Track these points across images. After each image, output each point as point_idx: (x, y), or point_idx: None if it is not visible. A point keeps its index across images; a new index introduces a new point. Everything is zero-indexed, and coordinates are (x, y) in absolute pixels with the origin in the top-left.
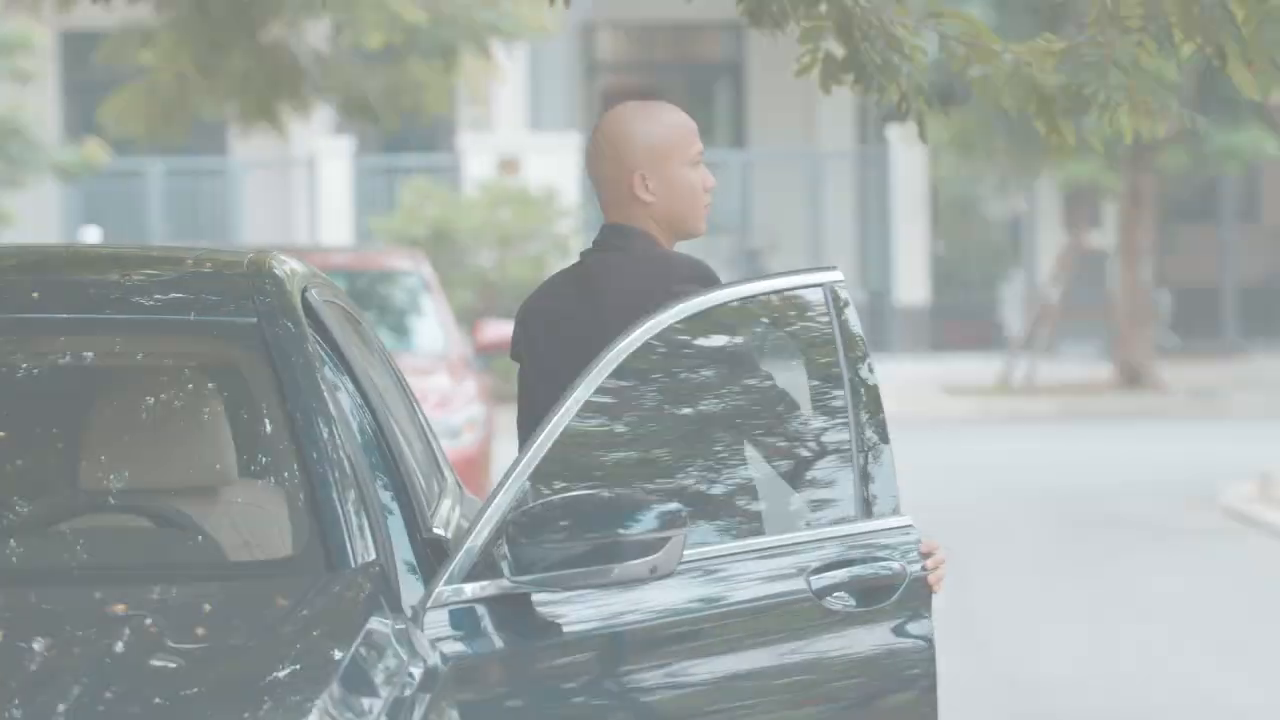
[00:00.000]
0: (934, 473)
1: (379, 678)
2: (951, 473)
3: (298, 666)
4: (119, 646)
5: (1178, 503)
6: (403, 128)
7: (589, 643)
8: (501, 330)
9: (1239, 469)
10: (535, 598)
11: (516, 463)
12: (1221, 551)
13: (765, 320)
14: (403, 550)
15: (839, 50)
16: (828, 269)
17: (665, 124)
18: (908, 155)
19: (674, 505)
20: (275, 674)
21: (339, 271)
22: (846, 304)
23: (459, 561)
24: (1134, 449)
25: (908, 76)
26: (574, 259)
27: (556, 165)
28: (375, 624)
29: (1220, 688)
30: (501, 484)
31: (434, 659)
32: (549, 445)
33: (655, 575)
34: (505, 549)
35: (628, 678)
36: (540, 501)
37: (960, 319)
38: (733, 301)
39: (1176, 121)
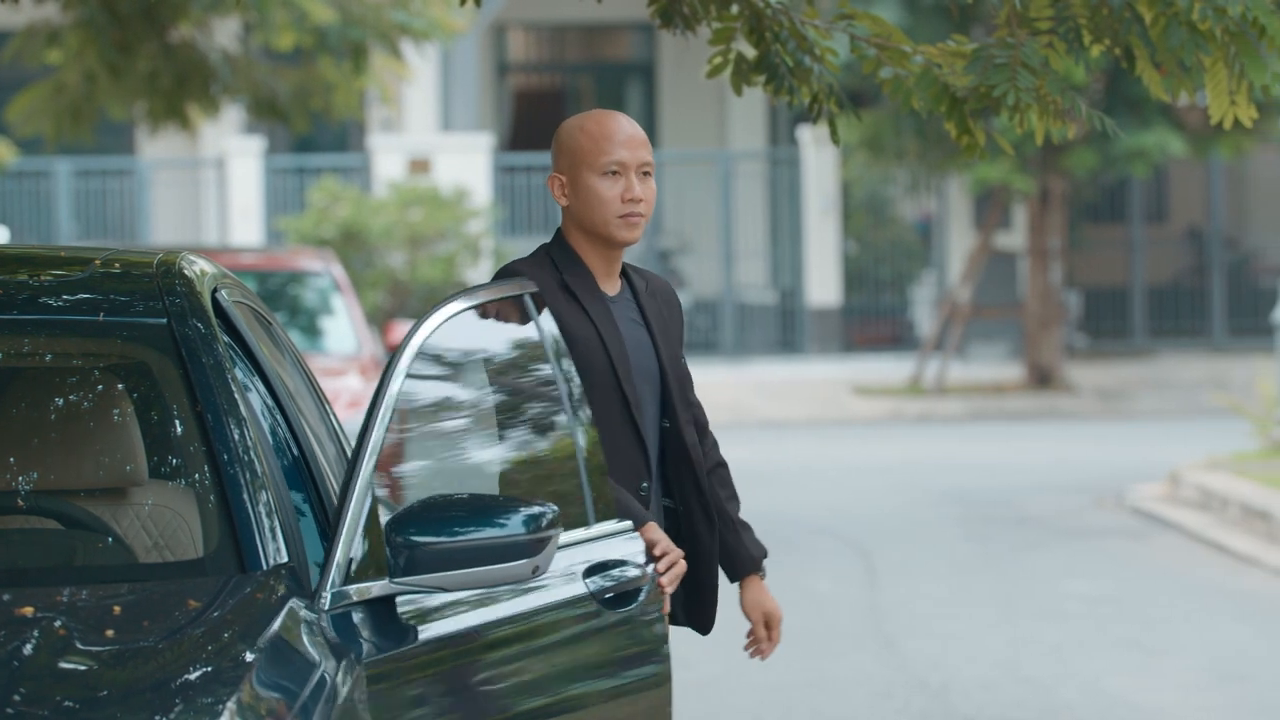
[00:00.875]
0: (844, 473)
1: (291, 679)
2: (862, 473)
3: (209, 668)
4: (28, 649)
5: (1087, 503)
6: (313, 128)
7: (446, 644)
8: None
9: (1147, 469)
10: (398, 601)
11: (355, 468)
12: (1130, 551)
13: (492, 329)
14: (315, 552)
15: (750, 51)
16: (527, 283)
17: (584, 131)
18: (818, 156)
19: (548, 506)
20: (186, 676)
21: (249, 272)
22: (543, 309)
23: (339, 565)
24: (1044, 450)
25: (819, 78)
26: (485, 259)
27: (467, 166)
28: (287, 626)
29: (1129, 687)
30: (347, 489)
31: (347, 659)
32: (377, 451)
33: (537, 575)
34: (387, 552)
35: (479, 676)
36: (419, 503)
37: (871, 320)
38: (460, 312)
39: (1085, 123)
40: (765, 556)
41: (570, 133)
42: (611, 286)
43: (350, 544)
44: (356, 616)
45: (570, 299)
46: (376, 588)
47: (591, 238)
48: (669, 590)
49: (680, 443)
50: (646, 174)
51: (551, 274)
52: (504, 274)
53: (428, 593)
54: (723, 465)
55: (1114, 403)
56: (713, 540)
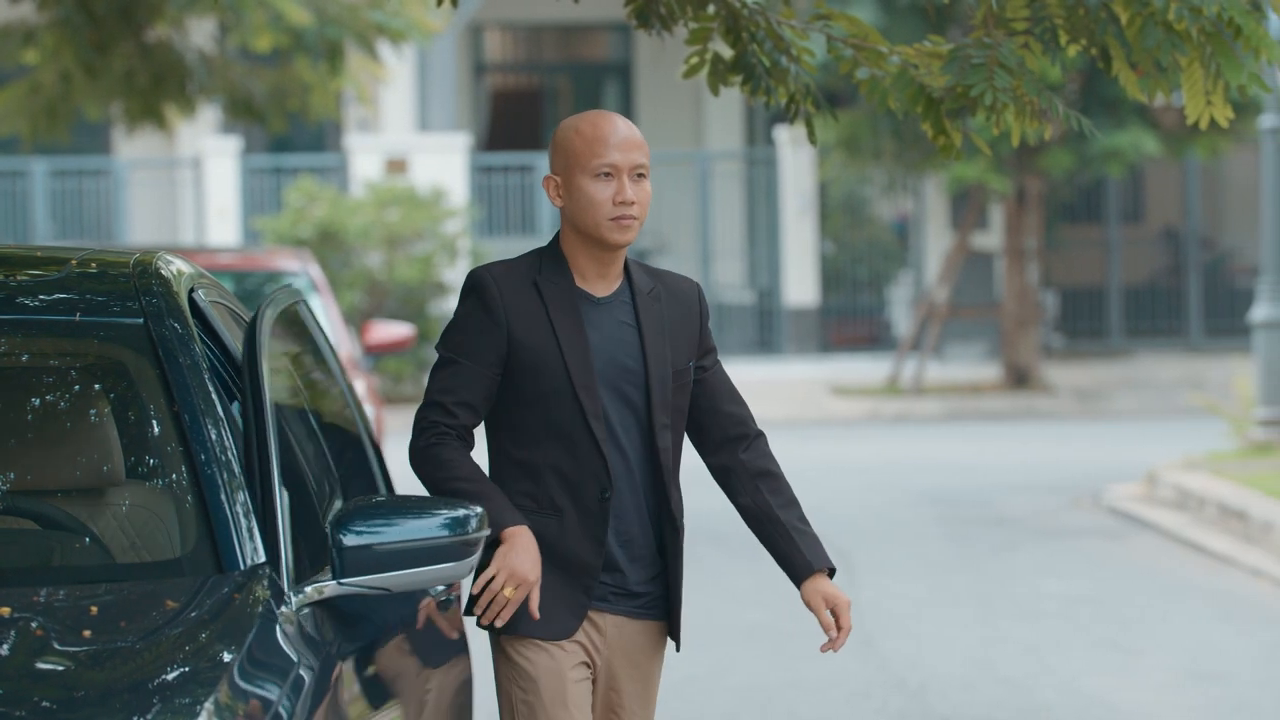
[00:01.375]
0: (822, 473)
1: (269, 679)
2: (839, 473)
3: (187, 669)
4: (5, 649)
5: (1064, 503)
6: (290, 128)
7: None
8: (389, 331)
9: (1124, 469)
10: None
11: (261, 468)
12: (1107, 551)
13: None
14: (295, 551)
15: (727, 51)
16: (294, 291)
17: (578, 133)
18: (795, 156)
19: (476, 508)
20: (164, 676)
21: (226, 272)
22: (314, 316)
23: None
24: (1021, 450)
25: (796, 78)
26: (462, 259)
27: (444, 165)
28: (265, 625)
29: (1106, 687)
30: (261, 491)
31: (325, 657)
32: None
33: (470, 572)
34: (333, 554)
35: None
36: (355, 506)
37: (848, 320)
38: (274, 315)
39: (1062, 123)
40: (828, 565)
41: (565, 134)
42: (604, 288)
43: (287, 544)
44: (330, 613)
45: (535, 301)
46: (329, 588)
47: (585, 239)
48: (488, 610)
49: (651, 447)
50: (641, 176)
51: (525, 273)
52: (470, 278)
53: (373, 592)
54: (769, 474)
55: (1091, 403)
56: (676, 547)
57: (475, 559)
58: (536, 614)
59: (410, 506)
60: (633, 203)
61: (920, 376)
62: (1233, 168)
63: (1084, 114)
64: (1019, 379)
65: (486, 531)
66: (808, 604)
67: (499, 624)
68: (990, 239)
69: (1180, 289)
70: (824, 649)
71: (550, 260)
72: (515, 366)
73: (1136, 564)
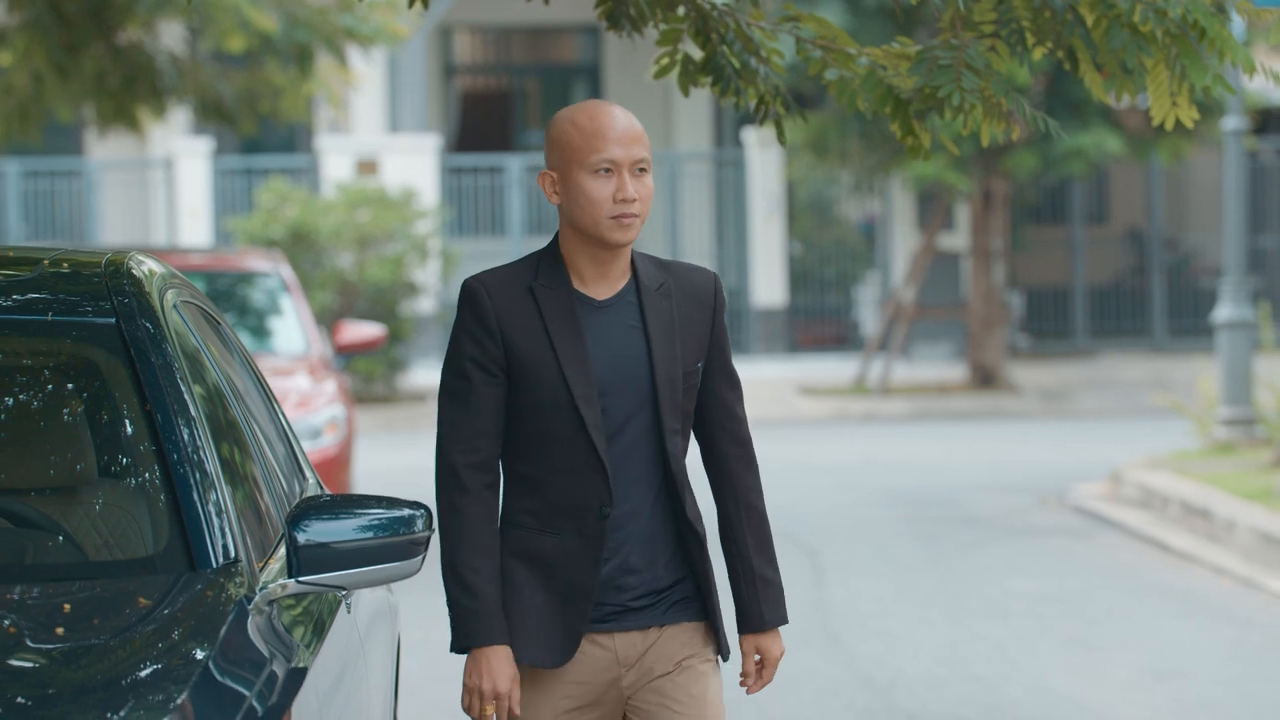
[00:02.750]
0: (790, 472)
1: (241, 675)
2: (807, 472)
3: (160, 666)
4: None
5: (1030, 502)
6: (261, 129)
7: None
8: (360, 331)
9: (1089, 469)
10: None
11: (204, 466)
12: (1073, 550)
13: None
14: (264, 549)
15: (697, 53)
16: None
17: (575, 126)
18: (763, 157)
19: (421, 508)
20: (137, 674)
21: (198, 272)
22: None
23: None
24: (987, 449)
25: (765, 79)
26: (433, 260)
27: (415, 166)
28: (236, 622)
29: (1073, 684)
30: (212, 489)
31: (294, 653)
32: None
33: (418, 571)
34: (289, 552)
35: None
36: (309, 505)
37: (816, 320)
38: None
39: (1028, 124)
40: (781, 623)
41: (561, 127)
42: (605, 289)
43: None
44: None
45: (530, 309)
46: (291, 585)
47: (584, 238)
48: None
49: (662, 454)
50: (642, 170)
51: (520, 280)
52: (462, 289)
53: (329, 589)
54: (752, 508)
55: (1056, 402)
56: (700, 554)
57: (421, 558)
58: (518, 710)
59: (361, 506)
60: (634, 200)
61: (887, 376)
62: (1196, 170)
63: (1049, 115)
64: (985, 379)
65: (431, 532)
66: (741, 647)
67: None
68: (956, 240)
69: (1144, 290)
70: (741, 685)
71: (547, 263)
72: (513, 377)
73: (1101, 562)
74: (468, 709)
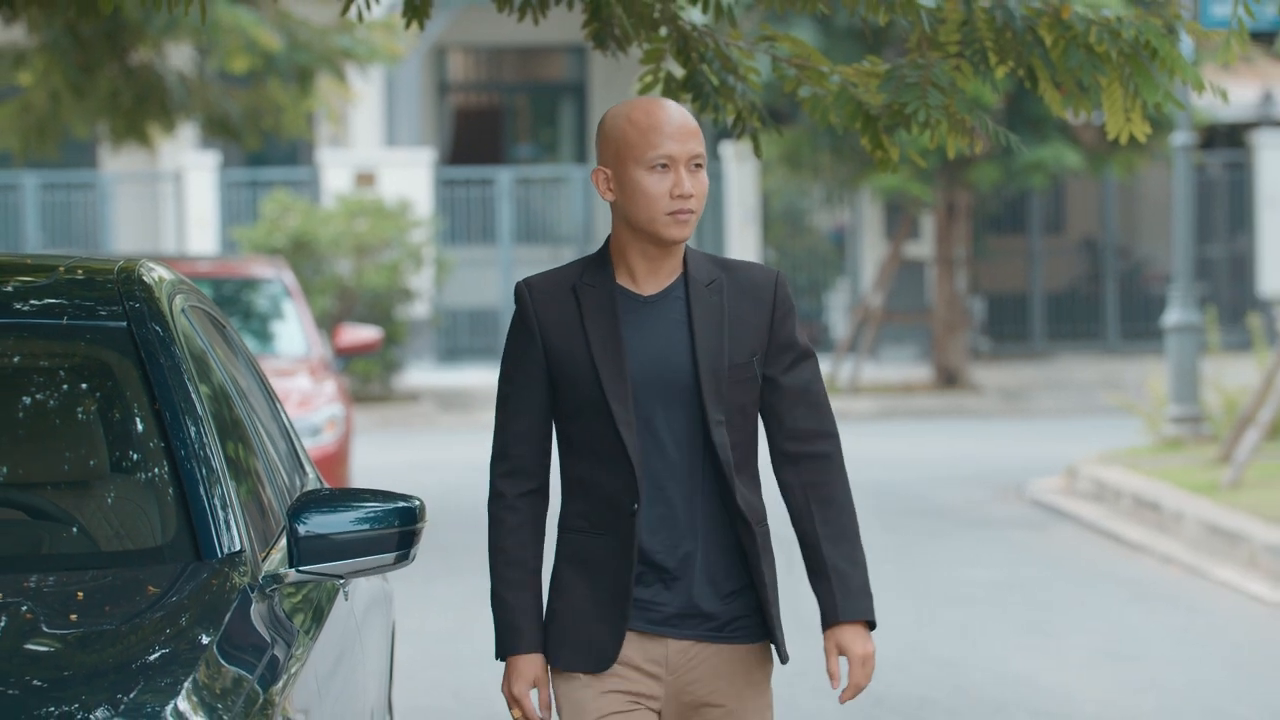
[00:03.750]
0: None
1: (244, 660)
2: None
3: (167, 650)
4: None
5: (990, 495)
6: (265, 144)
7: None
8: (358, 334)
9: (1046, 464)
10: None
11: (210, 463)
12: (1030, 541)
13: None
14: (266, 540)
15: (679, 71)
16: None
17: (631, 122)
18: (740, 170)
19: (414, 500)
20: (146, 658)
21: (205, 279)
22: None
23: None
24: (950, 445)
25: (743, 96)
26: (427, 267)
27: (410, 179)
28: (240, 609)
29: (1031, 667)
30: (216, 483)
31: (294, 638)
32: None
33: (411, 560)
34: (289, 542)
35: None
36: (309, 499)
37: None
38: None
39: (991, 139)
40: (860, 618)
41: (616, 123)
42: (654, 285)
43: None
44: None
45: (572, 307)
46: (292, 574)
47: (638, 235)
48: None
49: (709, 446)
50: (698, 166)
51: (566, 280)
52: (515, 290)
53: (328, 578)
54: (825, 501)
55: (1015, 401)
56: (753, 549)
57: (415, 549)
58: (536, 716)
59: (358, 499)
60: (691, 195)
61: (856, 377)
62: (1147, 183)
63: (1010, 131)
64: (948, 379)
65: (424, 524)
66: (824, 646)
67: None
68: (922, 248)
69: (1098, 295)
70: (840, 698)
71: (595, 262)
72: (556, 378)
73: (1057, 552)
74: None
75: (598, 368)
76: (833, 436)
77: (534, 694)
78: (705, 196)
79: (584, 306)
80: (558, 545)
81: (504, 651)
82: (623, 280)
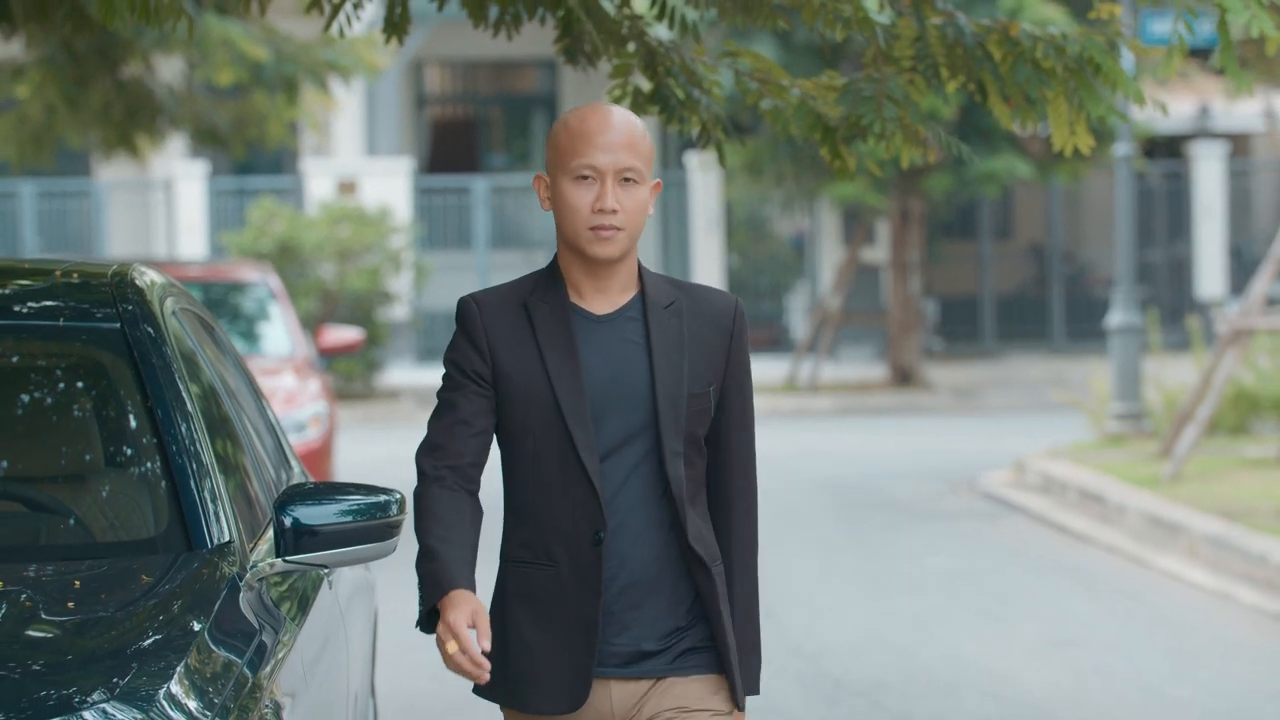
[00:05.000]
0: None
1: (234, 645)
2: None
3: (160, 636)
4: None
5: (943, 489)
6: (251, 153)
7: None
8: (341, 334)
9: (996, 458)
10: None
11: (201, 458)
12: (981, 531)
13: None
14: (254, 531)
15: (646, 84)
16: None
17: (566, 128)
18: (704, 179)
19: (394, 493)
20: (140, 643)
21: (195, 282)
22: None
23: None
24: (905, 441)
25: (707, 108)
26: (406, 271)
27: (390, 187)
28: (229, 597)
29: (981, 652)
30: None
31: (281, 625)
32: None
33: (393, 550)
34: (279, 533)
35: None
36: (296, 490)
37: (751, 325)
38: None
39: (943, 149)
40: (751, 693)
41: (555, 128)
42: (605, 304)
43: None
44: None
45: (523, 324)
46: (279, 564)
47: (572, 250)
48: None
49: (662, 477)
50: (629, 180)
51: (515, 296)
52: (457, 306)
53: (313, 568)
54: (736, 561)
55: (967, 399)
56: (709, 587)
57: (397, 539)
58: (478, 646)
59: (342, 492)
60: (614, 210)
61: (815, 376)
62: (1091, 190)
63: (962, 141)
64: (903, 378)
65: (404, 516)
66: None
67: (478, 680)
68: (878, 253)
69: (1045, 298)
70: None
71: (546, 278)
72: (504, 398)
73: (1007, 543)
74: (447, 664)
75: (554, 386)
76: (754, 492)
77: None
78: (639, 215)
79: (536, 323)
80: (498, 578)
81: (439, 594)
82: (574, 298)
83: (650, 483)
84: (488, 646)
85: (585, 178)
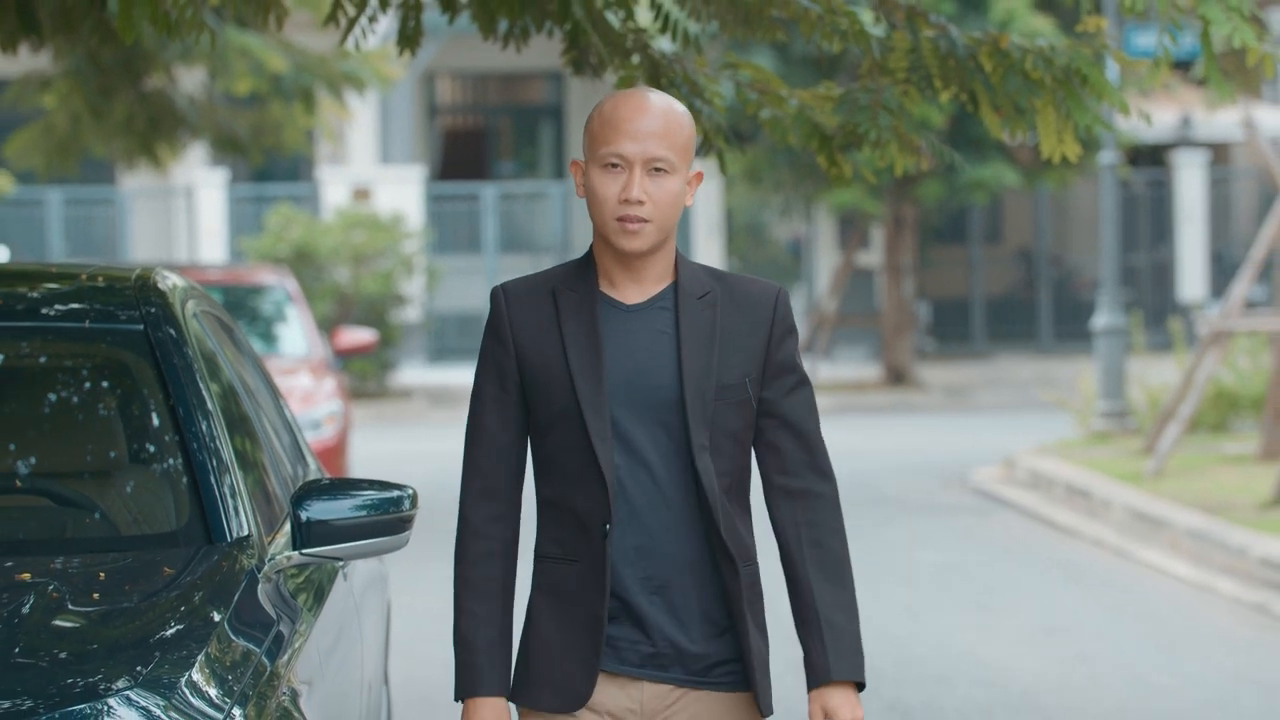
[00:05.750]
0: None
1: (252, 635)
2: None
3: (182, 626)
4: (26, 609)
5: (935, 484)
6: (269, 161)
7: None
8: (355, 336)
9: (986, 455)
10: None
11: (220, 453)
12: (972, 525)
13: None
14: (272, 525)
15: None
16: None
17: (599, 114)
18: (705, 186)
19: (409, 490)
20: (163, 633)
21: (215, 286)
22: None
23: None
24: (898, 438)
25: (709, 118)
26: (418, 275)
27: (403, 194)
28: (248, 589)
29: (972, 641)
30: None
31: (298, 615)
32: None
33: (405, 544)
34: (295, 527)
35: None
36: (313, 487)
37: None
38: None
39: (935, 158)
40: (850, 678)
41: (591, 115)
42: (637, 293)
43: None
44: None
45: (549, 312)
46: (296, 557)
47: (604, 240)
48: None
49: (690, 470)
50: (659, 170)
51: (545, 283)
52: (491, 295)
53: (328, 560)
54: (818, 545)
55: (958, 398)
56: (735, 590)
57: (409, 533)
58: None
59: (356, 488)
60: (640, 201)
61: (812, 376)
62: (1077, 198)
63: (953, 150)
64: (897, 378)
65: (417, 510)
66: (809, 710)
67: None
68: (872, 257)
69: (1033, 301)
70: None
71: (578, 267)
72: (529, 388)
73: (997, 536)
74: None
75: (573, 375)
76: (829, 477)
77: None
78: (671, 208)
79: (562, 311)
80: (534, 574)
81: (462, 693)
82: (605, 287)
83: (678, 476)
84: None
85: (614, 165)
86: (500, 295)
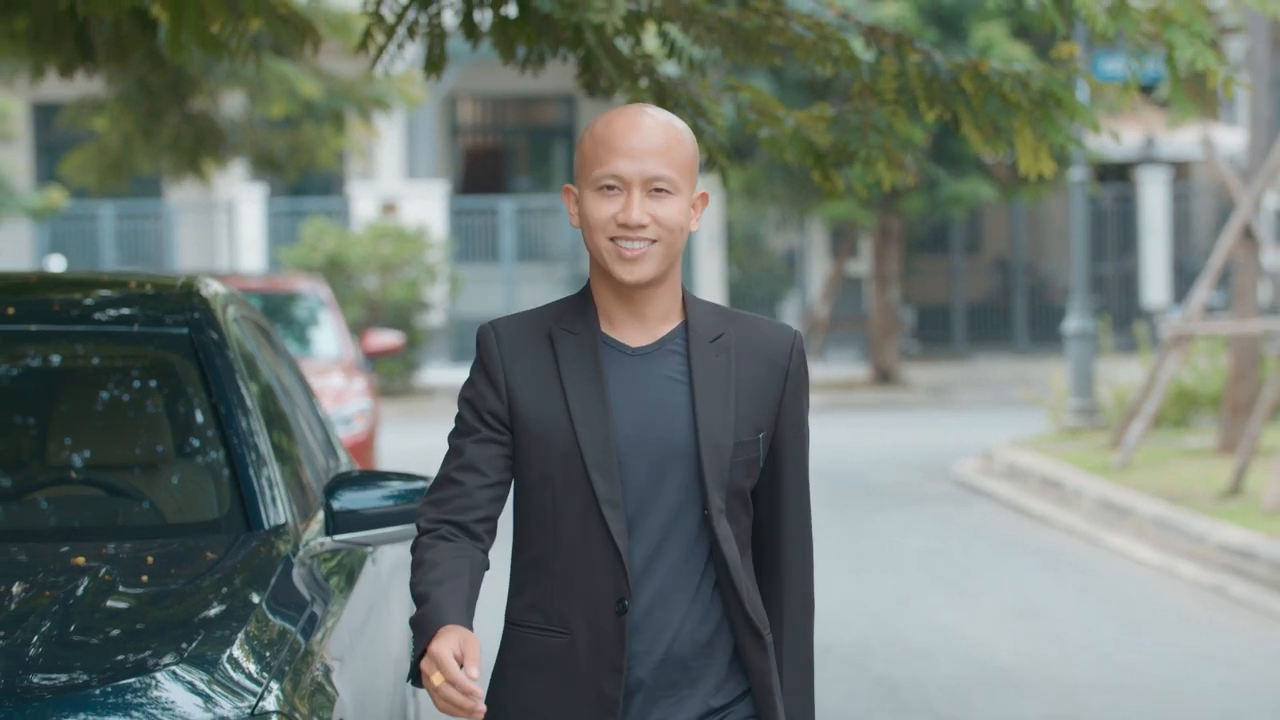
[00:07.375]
0: None
1: (288, 615)
2: None
3: (223, 607)
4: (80, 591)
5: (919, 475)
6: (304, 177)
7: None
8: (383, 339)
9: (966, 448)
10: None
11: (257, 446)
12: (953, 514)
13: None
14: (306, 514)
15: None
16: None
17: (592, 134)
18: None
19: (427, 478)
20: (205, 613)
21: (253, 293)
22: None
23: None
24: (884, 434)
25: (711, 137)
26: (441, 282)
27: (427, 208)
28: (284, 573)
29: (953, 620)
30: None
31: (330, 597)
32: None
33: None
34: (328, 515)
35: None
36: (344, 478)
37: None
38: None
39: (920, 173)
40: None
41: (582, 135)
42: (641, 335)
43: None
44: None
45: (546, 355)
46: (328, 543)
47: (603, 273)
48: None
49: (710, 538)
50: (660, 191)
51: (540, 323)
52: (477, 334)
53: (358, 546)
54: (787, 622)
55: (940, 396)
56: (764, 660)
57: None
58: (475, 671)
59: (384, 479)
60: (641, 225)
61: None
62: (1050, 211)
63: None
64: (884, 377)
65: None
66: None
67: (472, 714)
68: (860, 266)
69: (1009, 306)
70: None
71: (575, 305)
72: (521, 440)
73: (976, 524)
74: (435, 703)
75: (577, 431)
76: (809, 561)
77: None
78: (676, 231)
79: (560, 356)
80: (501, 642)
81: (421, 644)
82: (605, 328)
83: (692, 544)
84: (476, 674)
85: (610, 188)
86: (490, 334)
